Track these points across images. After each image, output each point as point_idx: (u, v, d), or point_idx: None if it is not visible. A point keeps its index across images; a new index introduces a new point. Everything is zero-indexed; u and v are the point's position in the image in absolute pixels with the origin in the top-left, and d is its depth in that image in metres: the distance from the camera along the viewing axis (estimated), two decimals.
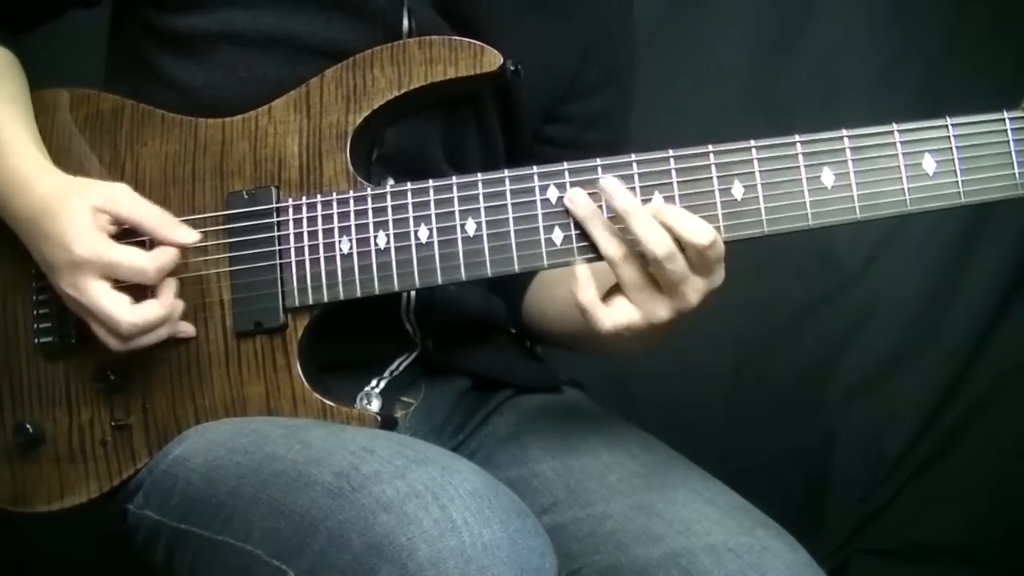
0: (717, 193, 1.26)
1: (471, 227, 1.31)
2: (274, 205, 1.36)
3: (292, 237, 1.35)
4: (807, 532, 1.39)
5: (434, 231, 1.31)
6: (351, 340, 1.39)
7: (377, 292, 1.33)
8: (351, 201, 1.34)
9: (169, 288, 1.34)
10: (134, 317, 1.31)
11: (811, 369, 2.68)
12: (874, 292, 2.67)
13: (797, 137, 1.26)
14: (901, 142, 1.24)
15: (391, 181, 1.38)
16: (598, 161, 1.28)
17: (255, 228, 1.36)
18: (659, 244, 1.22)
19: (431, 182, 1.32)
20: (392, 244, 1.32)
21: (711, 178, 1.26)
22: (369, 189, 1.35)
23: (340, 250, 1.34)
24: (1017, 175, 1.23)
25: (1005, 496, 2.58)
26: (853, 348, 2.68)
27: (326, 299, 1.34)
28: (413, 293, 1.44)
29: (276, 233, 1.36)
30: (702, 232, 1.22)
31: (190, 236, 1.34)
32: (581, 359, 1.61)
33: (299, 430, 1.29)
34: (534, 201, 1.29)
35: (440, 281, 1.32)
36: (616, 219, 1.25)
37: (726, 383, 2.65)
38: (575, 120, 1.54)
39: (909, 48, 2.66)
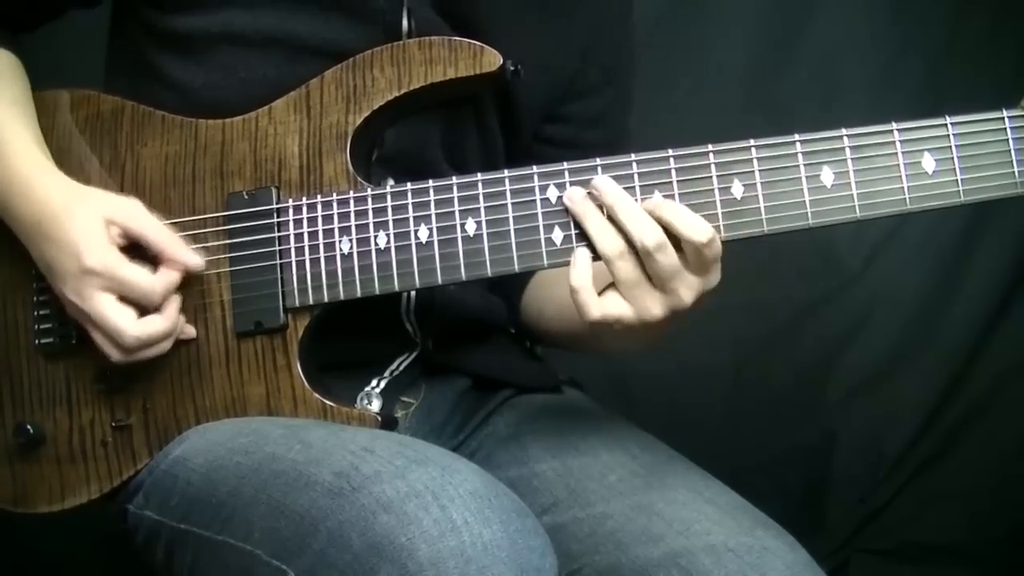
0: (717, 192, 1.26)
1: (471, 227, 1.31)
2: (274, 206, 1.36)
3: (292, 237, 1.35)
4: (807, 532, 1.39)
5: (434, 231, 1.31)
6: (351, 340, 1.39)
7: (377, 292, 1.33)
8: (351, 201, 1.34)
9: (173, 304, 1.34)
10: (139, 331, 1.31)
11: (811, 369, 2.67)
12: (874, 292, 2.67)
13: (796, 136, 1.26)
14: (900, 141, 1.24)
15: (391, 181, 1.38)
16: (598, 161, 1.28)
17: (255, 228, 1.36)
18: (648, 235, 1.22)
19: (431, 182, 1.32)
20: (392, 244, 1.32)
21: (711, 177, 1.26)
22: (369, 189, 1.35)
23: (340, 250, 1.34)
24: (1016, 174, 1.23)
25: (1005, 496, 2.58)
26: (853, 348, 2.68)
27: (326, 299, 1.34)
28: (413, 293, 1.44)
29: (276, 234, 1.36)
30: (700, 230, 1.22)
31: (198, 261, 1.35)
32: (581, 359, 1.61)
33: (299, 430, 1.29)
34: (534, 201, 1.29)
35: (440, 281, 1.32)
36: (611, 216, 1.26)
37: (726, 383, 2.65)
38: (575, 120, 1.54)
39: (909, 48, 2.66)
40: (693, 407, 2.62)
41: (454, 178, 1.32)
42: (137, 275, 1.32)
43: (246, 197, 1.37)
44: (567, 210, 1.28)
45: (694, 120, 2.50)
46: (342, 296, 1.34)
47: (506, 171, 1.31)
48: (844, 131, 1.25)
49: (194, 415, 1.38)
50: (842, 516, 2.63)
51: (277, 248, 1.35)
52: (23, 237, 1.37)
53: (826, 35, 2.66)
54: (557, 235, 1.29)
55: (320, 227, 1.34)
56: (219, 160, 1.39)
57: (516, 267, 1.30)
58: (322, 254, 1.34)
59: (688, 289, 1.23)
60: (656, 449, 1.45)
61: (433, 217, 1.32)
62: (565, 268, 1.28)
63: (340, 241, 1.34)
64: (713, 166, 1.26)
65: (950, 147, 1.24)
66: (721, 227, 1.25)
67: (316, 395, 1.35)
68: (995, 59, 2.60)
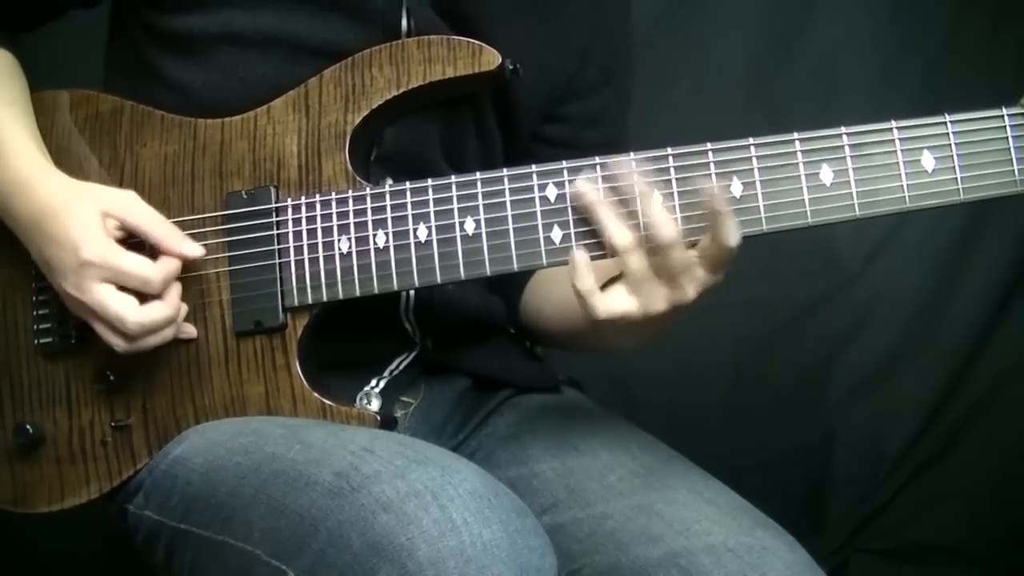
0: (716, 191, 1.25)
1: (470, 226, 1.31)
2: (273, 205, 1.36)
3: (291, 237, 1.35)
4: (807, 532, 1.39)
5: (433, 230, 1.31)
6: (350, 339, 1.39)
7: (376, 291, 1.33)
8: (350, 201, 1.34)
9: (175, 290, 1.34)
10: (141, 317, 1.31)
11: (811, 369, 2.67)
12: (874, 292, 2.67)
13: (796, 135, 1.25)
14: (900, 139, 1.24)
15: (390, 181, 1.38)
16: (597, 160, 1.28)
17: (254, 228, 1.36)
18: (669, 229, 1.22)
19: (430, 181, 1.32)
20: (391, 243, 1.32)
21: (710, 175, 1.26)
22: (368, 189, 1.35)
23: (339, 250, 1.34)
24: (1016, 171, 1.23)
25: (1005, 496, 2.58)
26: (853, 348, 2.68)
27: (325, 299, 1.34)
28: (412, 292, 1.44)
29: (275, 232, 1.36)
30: (735, 235, 1.22)
31: (195, 250, 1.35)
32: (581, 359, 1.61)
33: (299, 430, 1.29)
34: (533, 200, 1.29)
35: (439, 280, 1.32)
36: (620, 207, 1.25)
37: (726, 383, 2.65)
38: (573, 120, 1.54)
39: (909, 48, 2.66)
40: (693, 407, 2.62)
41: (453, 177, 1.32)
42: (134, 263, 1.32)
43: (245, 196, 1.37)
44: (574, 204, 1.26)
45: (694, 120, 2.50)
46: (341, 295, 1.34)
47: (505, 170, 1.31)
48: (843, 129, 1.25)
49: (193, 415, 1.38)
50: (842, 516, 2.63)
51: (276, 247, 1.35)
52: (22, 237, 1.37)
53: (826, 35, 2.66)
54: (556, 234, 1.29)
55: (319, 226, 1.34)
56: (218, 160, 1.39)
57: (515, 266, 1.30)
58: (321, 253, 1.34)
59: (695, 285, 1.23)
60: (656, 449, 1.44)
61: (432, 216, 1.31)
62: (564, 267, 1.29)
63: (339, 240, 1.34)
64: (712, 164, 1.26)
65: (949, 145, 1.23)
66: None
67: (315, 395, 1.35)
68: (995, 59, 2.60)
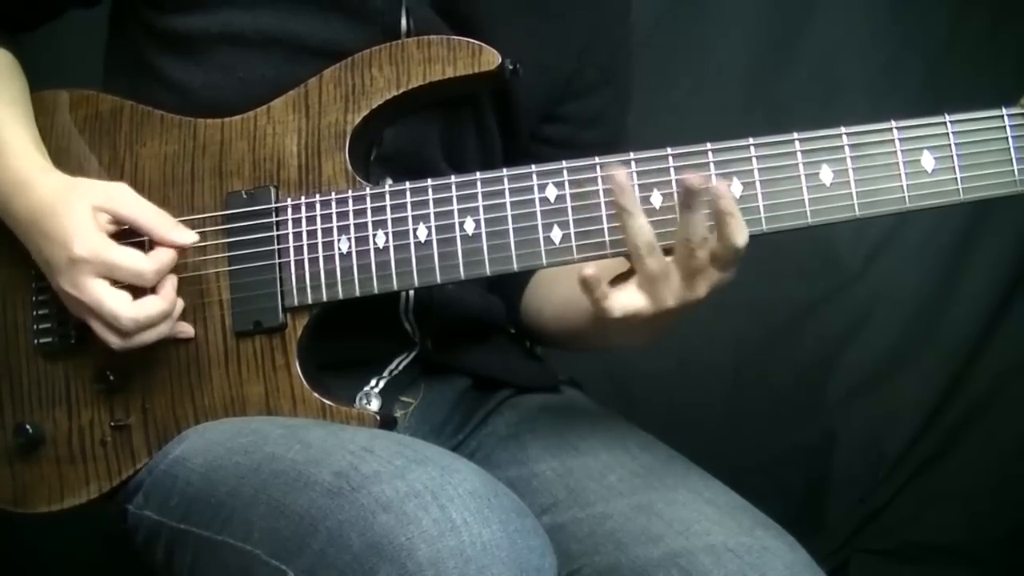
0: None
1: (470, 226, 1.31)
2: (273, 205, 1.36)
3: (291, 237, 1.35)
4: (807, 532, 1.39)
5: (433, 230, 1.31)
6: (350, 339, 1.39)
7: (376, 291, 1.33)
8: (350, 201, 1.34)
9: (169, 284, 1.34)
10: (135, 312, 1.31)
11: (811, 369, 2.67)
12: (874, 292, 2.67)
13: (795, 135, 1.26)
14: (900, 139, 1.24)
15: (390, 181, 1.38)
16: (596, 160, 1.28)
17: (254, 228, 1.36)
18: (702, 229, 1.21)
19: (430, 181, 1.32)
20: (391, 243, 1.32)
21: (709, 176, 1.26)
22: (368, 188, 1.35)
23: (339, 249, 1.34)
24: (1016, 171, 1.23)
25: (1005, 496, 2.58)
26: (853, 348, 2.68)
27: (325, 299, 1.34)
28: (412, 292, 1.44)
29: (275, 233, 1.36)
30: (744, 234, 1.22)
31: (188, 237, 1.35)
32: (581, 359, 1.61)
33: (298, 430, 1.29)
34: (533, 200, 1.29)
35: (439, 280, 1.32)
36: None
37: (726, 383, 2.65)
38: (573, 120, 1.54)
39: (909, 48, 2.66)
40: (693, 407, 2.62)
41: (453, 177, 1.32)
42: (125, 256, 1.31)
43: (245, 196, 1.37)
44: (614, 193, 1.23)
45: (694, 120, 2.50)
46: (341, 295, 1.34)
47: (505, 170, 1.31)
48: (843, 129, 1.25)
49: (193, 415, 1.38)
50: (842, 516, 2.63)
51: (276, 247, 1.35)
52: (22, 237, 1.37)
53: (826, 35, 2.66)
54: (556, 234, 1.29)
55: (319, 226, 1.34)
56: (218, 159, 1.39)
57: (515, 266, 1.30)
58: (321, 253, 1.34)
59: (708, 284, 1.24)
60: (656, 449, 1.44)
61: (432, 216, 1.31)
62: (566, 268, 1.29)
63: (339, 240, 1.34)
64: (712, 164, 1.26)
65: (949, 145, 1.23)
66: None
67: (315, 395, 1.35)
68: (995, 59, 2.60)
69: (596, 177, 1.28)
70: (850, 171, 1.24)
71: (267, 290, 1.35)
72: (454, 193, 1.31)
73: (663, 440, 1.48)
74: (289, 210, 1.36)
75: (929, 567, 2.56)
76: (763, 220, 1.25)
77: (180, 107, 1.42)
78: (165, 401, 1.38)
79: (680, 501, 1.33)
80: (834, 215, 1.25)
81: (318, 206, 1.35)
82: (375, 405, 1.44)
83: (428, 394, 1.50)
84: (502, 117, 1.49)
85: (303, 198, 1.36)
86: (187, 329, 1.37)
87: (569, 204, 1.29)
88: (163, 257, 1.33)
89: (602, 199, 1.28)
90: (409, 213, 1.32)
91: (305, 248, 1.35)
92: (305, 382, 1.35)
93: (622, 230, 1.24)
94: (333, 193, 1.35)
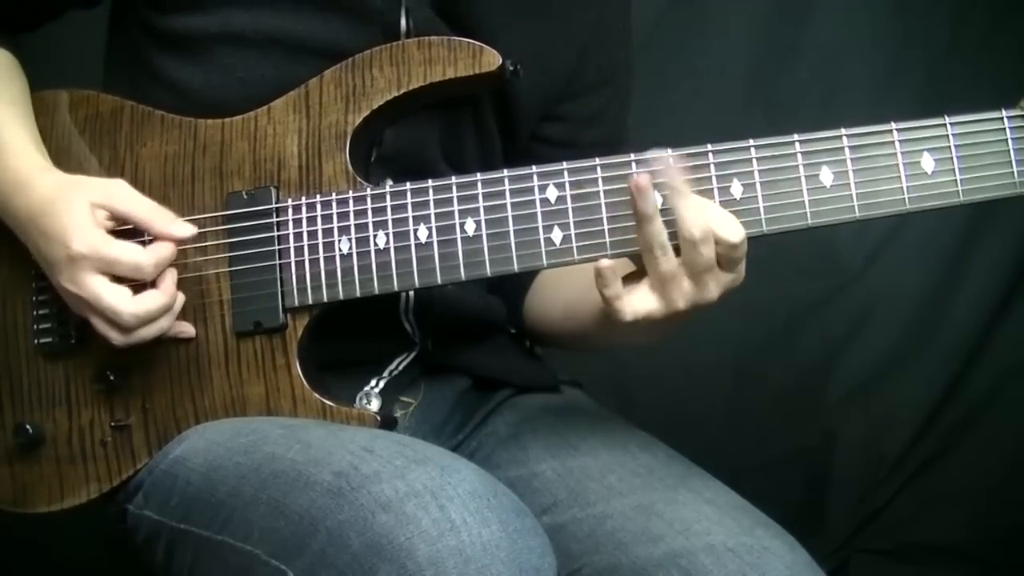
0: (716, 192, 1.26)
1: (470, 227, 1.31)
2: (273, 205, 1.36)
3: (292, 237, 1.35)
4: (807, 532, 1.39)
5: (433, 231, 1.31)
6: (350, 340, 1.39)
7: (377, 292, 1.33)
8: (350, 201, 1.34)
9: (169, 278, 1.34)
10: (135, 307, 1.31)
11: (811, 369, 2.67)
12: (874, 292, 2.67)
13: (796, 136, 1.26)
14: (900, 141, 1.24)
15: (390, 181, 1.38)
16: (597, 161, 1.28)
17: (255, 228, 1.36)
18: (699, 226, 1.21)
19: (430, 182, 1.32)
20: (391, 244, 1.32)
21: (710, 176, 1.26)
22: (368, 189, 1.35)
23: (340, 250, 1.34)
24: (1015, 173, 1.23)
25: (1005, 496, 2.58)
26: (853, 348, 2.68)
27: (326, 299, 1.34)
28: (412, 293, 1.44)
29: (276, 233, 1.36)
30: (734, 230, 1.22)
31: (187, 230, 1.35)
32: (581, 359, 1.61)
33: (299, 430, 1.29)
34: (533, 200, 1.29)
35: (440, 281, 1.32)
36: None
37: (726, 383, 2.65)
38: (572, 119, 1.54)
39: (910, 48, 2.66)
40: (693, 407, 2.62)
41: (453, 178, 1.32)
42: (124, 251, 1.31)
43: (245, 197, 1.37)
44: (633, 195, 1.23)
45: (694, 120, 2.50)
46: (341, 296, 1.34)
47: (505, 171, 1.31)
48: (843, 131, 1.25)
49: (193, 415, 1.38)
50: (842, 516, 2.63)
51: (276, 248, 1.35)
52: (22, 236, 1.37)
53: (826, 35, 2.66)
54: (556, 235, 1.29)
55: (319, 227, 1.34)
56: (218, 160, 1.39)
57: (515, 267, 1.30)
58: (321, 254, 1.34)
59: (716, 284, 1.24)
60: (656, 449, 1.45)
61: (432, 217, 1.31)
62: (570, 269, 1.29)
63: (339, 241, 1.34)
64: (712, 166, 1.26)
65: (949, 147, 1.23)
66: None
67: (315, 395, 1.35)
68: (995, 59, 2.60)
69: (597, 178, 1.28)
70: (850, 172, 1.24)
71: (267, 290, 1.35)
72: (455, 194, 1.31)
73: (663, 440, 1.48)
74: (290, 210, 1.36)
75: (929, 567, 2.56)
76: (763, 221, 1.25)
77: (180, 107, 1.42)
78: (165, 401, 1.38)
79: (680, 501, 1.33)
80: (834, 216, 1.25)
81: (319, 206, 1.35)
82: (375, 405, 1.44)
83: (428, 394, 1.50)
84: (502, 117, 1.49)
85: (304, 198, 1.36)
86: (188, 329, 1.37)
87: (570, 205, 1.29)
88: (162, 251, 1.33)
89: (603, 200, 1.28)
90: (410, 214, 1.32)
91: (306, 248, 1.35)
92: (305, 382, 1.35)
93: (637, 231, 1.24)
94: (334, 193, 1.35)
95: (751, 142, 1.26)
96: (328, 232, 1.34)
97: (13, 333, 1.43)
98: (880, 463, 2.65)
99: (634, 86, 1.62)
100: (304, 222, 1.35)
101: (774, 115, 2.56)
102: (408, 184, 1.33)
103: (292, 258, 1.35)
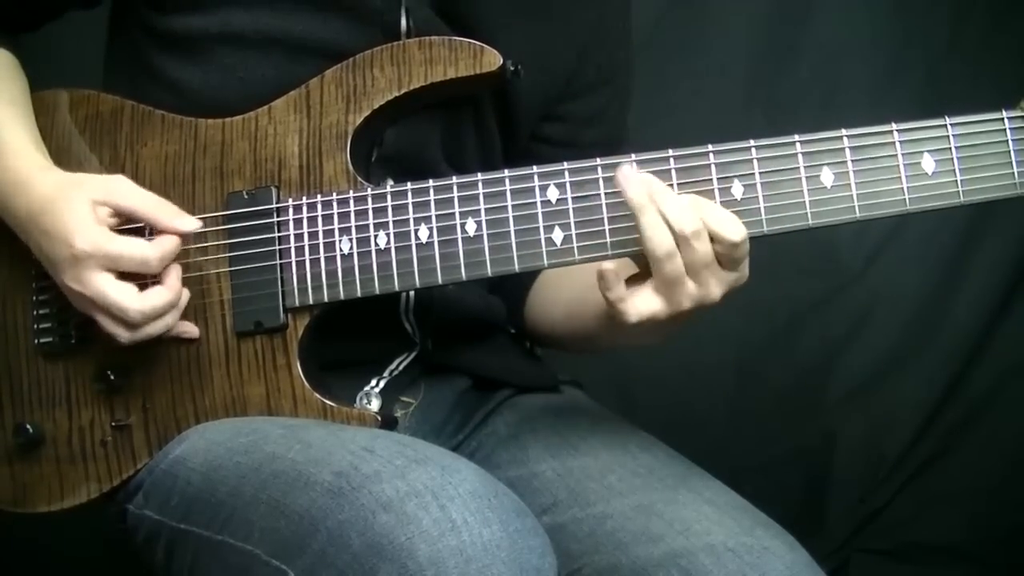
0: (717, 193, 1.26)
1: (471, 227, 1.31)
2: (274, 205, 1.36)
3: (292, 237, 1.35)
4: (807, 532, 1.39)
5: (434, 231, 1.32)
6: (351, 340, 1.39)
7: (377, 292, 1.33)
8: (351, 201, 1.34)
9: (174, 273, 1.34)
10: (141, 303, 1.31)
11: (811, 369, 2.67)
12: (874, 292, 2.67)
13: (796, 137, 1.26)
14: (900, 142, 1.24)
15: (391, 181, 1.38)
16: (598, 161, 1.28)
17: (255, 228, 1.36)
18: (688, 223, 1.22)
19: (431, 182, 1.32)
20: (392, 244, 1.32)
21: (711, 179, 1.26)
22: (369, 189, 1.35)
23: (340, 250, 1.34)
24: (1016, 174, 1.23)
25: (1005, 496, 2.58)
26: (853, 348, 2.68)
27: (326, 299, 1.34)
28: (412, 293, 1.44)
29: (276, 234, 1.36)
30: (734, 229, 1.22)
31: (191, 223, 1.34)
32: (581, 359, 1.61)
33: (299, 430, 1.29)
34: (534, 201, 1.29)
35: (440, 281, 1.32)
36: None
37: (726, 383, 2.65)
38: (572, 119, 1.54)
39: (910, 48, 2.66)
40: (693, 407, 2.62)
41: (454, 178, 1.32)
42: (128, 246, 1.31)
43: (246, 197, 1.37)
44: (624, 197, 1.25)
45: (694, 120, 2.50)
46: (342, 296, 1.34)
47: (506, 171, 1.31)
48: (844, 131, 1.25)
49: (194, 415, 1.38)
50: (842, 516, 2.63)
51: (277, 248, 1.35)
52: (23, 235, 1.37)
53: (826, 35, 2.66)
54: (557, 235, 1.29)
55: (320, 227, 1.34)
56: (219, 160, 1.39)
57: (516, 267, 1.30)
58: (322, 254, 1.34)
59: (718, 283, 1.24)
60: (656, 449, 1.45)
61: (433, 217, 1.32)
62: (572, 270, 1.30)
63: (340, 241, 1.34)
64: (713, 166, 1.26)
65: (950, 148, 1.24)
66: None
67: (316, 395, 1.35)
68: (995, 59, 2.60)
69: (598, 179, 1.28)
70: (851, 173, 1.24)
71: (268, 290, 1.35)
72: (455, 194, 1.31)
73: (664, 440, 1.48)
74: (290, 210, 1.36)
75: (929, 567, 2.56)
76: (764, 222, 1.25)
77: (180, 107, 1.42)
78: (166, 401, 1.38)
79: (680, 501, 1.33)
80: (835, 217, 1.25)
81: (319, 206, 1.35)
82: (375, 405, 1.44)
83: (428, 394, 1.50)
84: (502, 117, 1.49)
85: (304, 198, 1.36)
86: (191, 329, 1.37)
87: (570, 206, 1.29)
88: (167, 244, 1.33)
89: (603, 200, 1.28)
90: (411, 214, 1.32)
91: (306, 248, 1.35)
92: (306, 382, 1.35)
93: (638, 230, 1.23)
94: (334, 193, 1.35)
95: (752, 142, 1.26)
96: (329, 232, 1.34)
97: (13, 333, 1.43)
98: (880, 463, 2.65)
99: (634, 86, 1.62)
100: (305, 222, 1.35)
101: (774, 115, 2.56)
102: (409, 184, 1.33)
103: (293, 258, 1.35)
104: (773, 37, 2.66)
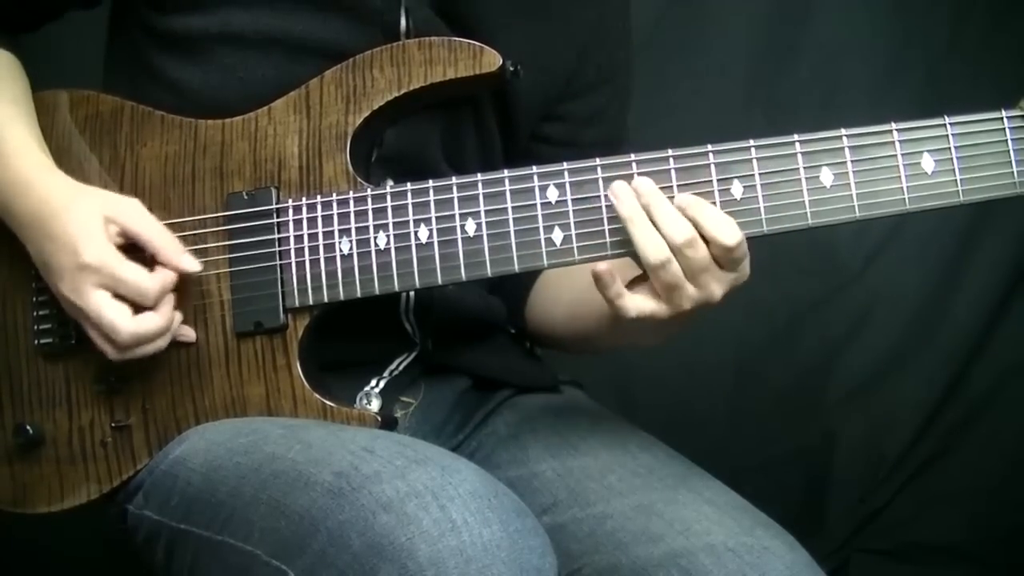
0: (716, 193, 1.26)
1: (471, 227, 1.31)
2: (274, 206, 1.36)
3: (292, 238, 1.35)
4: (807, 532, 1.39)
5: (434, 231, 1.32)
6: (351, 340, 1.39)
7: (377, 292, 1.33)
8: (351, 201, 1.34)
9: (168, 302, 1.34)
10: (134, 327, 1.31)
11: (811, 369, 2.67)
12: (874, 292, 2.67)
13: (796, 136, 1.26)
14: (900, 141, 1.24)
15: (391, 181, 1.38)
16: (597, 161, 1.28)
17: (255, 229, 1.36)
18: (678, 232, 1.22)
19: (431, 182, 1.32)
20: (392, 244, 1.32)
21: (711, 179, 1.26)
22: (369, 189, 1.35)
23: (340, 250, 1.34)
24: (1015, 173, 1.23)
25: (1005, 496, 2.58)
26: (853, 348, 2.68)
27: (326, 299, 1.34)
28: (412, 293, 1.44)
29: (276, 235, 1.36)
30: (729, 233, 1.22)
31: (194, 265, 1.35)
32: (581, 359, 1.61)
33: (299, 430, 1.29)
34: (534, 201, 1.29)
35: (440, 281, 1.32)
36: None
37: (727, 383, 2.65)
38: (572, 119, 1.54)
39: (910, 47, 2.66)
40: (693, 407, 2.62)
41: (454, 178, 1.32)
42: (133, 273, 1.31)
43: (246, 197, 1.37)
44: (613, 206, 1.26)
45: (694, 120, 2.50)
46: (342, 296, 1.34)
47: (506, 171, 1.31)
48: (843, 131, 1.25)
49: (194, 415, 1.38)
50: (842, 516, 2.63)
51: (277, 248, 1.35)
52: (23, 236, 1.37)
53: (826, 35, 2.66)
54: (557, 235, 1.29)
55: (320, 227, 1.35)
56: (219, 160, 1.39)
57: (516, 267, 1.30)
58: (322, 254, 1.34)
59: (718, 284, 1.24)
60: (656, 449, 1.45)
61: (433, 218, 1.32)
62: (573, 270, 1.30)
63: (340, 241, 1.34)
64: (712, 166, 1.26)
65: (949, 148, 1.24)
66: None
67: (316, 395, 1.35)
68: (995, 59, 2.60)
69: (598, 179, 1.28)
70: (850, 173, 1.24)
71: (268, 291, 1.35)
72: (455, 194, 1.31)
73: (664, 440, 1.48)
74: (290, 211, 1.36)
75: (929, 567, 2.56)
76: (764, 222, 1.26)
77: (180, 107, 1.42)
78: (166, 402, 1.38)
79: (680, 501, 1.33)
80: (834, 217, 1.25)
81: (319, 207, 1.35)
82: (375, 405, 1.44)
83: (428, 394, 1.50)
84: (502, 117, 1.49)
85: (304, 199, 1.36)
86: (189, 333, 1.37)
87: (570, 206, 1.29)
88: (166, 279, 1.33)
89: (603, 201, 1.28)
90: (410, 215, 1.32)
91: (306, 249, 1.35)
92: (306, 383, 1.35)
93: (635, 247, 1.24)
94: (334, 194, 1.35)
95: (751, 142, 1.26)
96: (329, 233, 1.34)
97: (13, 333, 1.43)
98: (880, 463, 2.65)
99: (634, 86, 1.62)
100: (304, 223, 1.35)
101: (774, 115, 2.56)
102: (409, 184, 1.33)
103: (292, 258, 1.35)
104: (773, 37, 2.66)
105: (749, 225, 1.25)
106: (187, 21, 1.41)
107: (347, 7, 1.39)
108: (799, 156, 1.25)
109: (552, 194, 1.29)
